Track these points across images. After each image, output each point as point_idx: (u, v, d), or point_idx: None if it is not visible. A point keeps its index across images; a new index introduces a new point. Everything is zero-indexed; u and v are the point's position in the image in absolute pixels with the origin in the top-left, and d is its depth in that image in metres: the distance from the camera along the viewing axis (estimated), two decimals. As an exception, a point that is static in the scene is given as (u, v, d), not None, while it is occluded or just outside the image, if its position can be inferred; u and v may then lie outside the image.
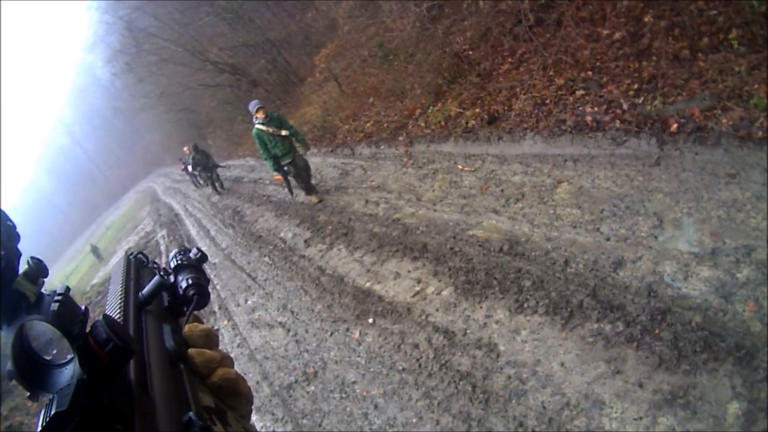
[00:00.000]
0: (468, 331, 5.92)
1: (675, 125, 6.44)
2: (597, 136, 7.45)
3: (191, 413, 0.84)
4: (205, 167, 24.59)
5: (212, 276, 13.56)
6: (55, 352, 0.83)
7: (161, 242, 24.50)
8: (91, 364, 0.77)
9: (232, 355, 8.61)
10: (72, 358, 0.78)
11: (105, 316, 0.82)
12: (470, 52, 11.74)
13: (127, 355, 0.81)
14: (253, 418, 6.64)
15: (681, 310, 4.54)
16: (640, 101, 7.14)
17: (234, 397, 1.09)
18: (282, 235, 12.85)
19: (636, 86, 7.41)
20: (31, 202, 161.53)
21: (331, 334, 7.58)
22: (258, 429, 6.28)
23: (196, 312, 1.16)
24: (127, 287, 1.10)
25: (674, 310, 4.56)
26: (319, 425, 6.10)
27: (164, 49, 30.60)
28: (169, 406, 0.86)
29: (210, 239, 17.79)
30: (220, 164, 25.29)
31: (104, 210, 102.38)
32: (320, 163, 15.92)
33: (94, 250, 42.88)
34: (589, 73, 8.29)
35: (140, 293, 1.10)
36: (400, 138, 12.35)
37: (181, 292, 1.12)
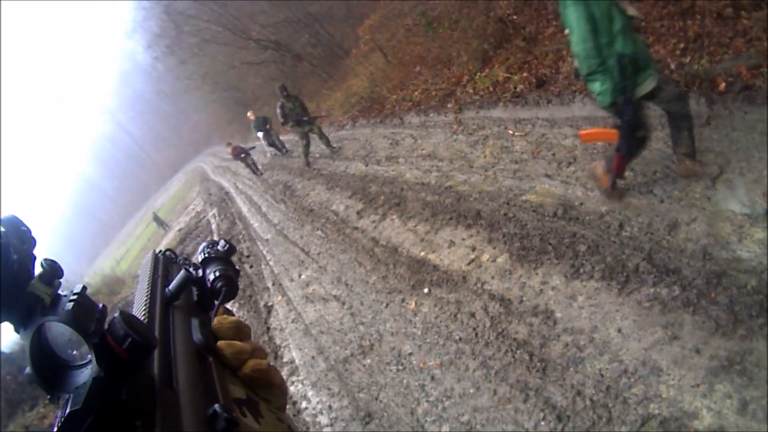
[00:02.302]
0: (524, 299, 5.92)
1: (723, 84, 6.33)
2: (646, 96, 7.35)
3: (217, 405, 0.85)
4: (300, 121, 17.33)
5: (265, 252, 13.78)
6: (74, 352, 0.84)
7: (212, 221, 24.73)
8: (109, 361, 0.79)
9: (287, 331, 8.80)
10: (90, 358, 0.79)
11: (122, 312, 0.83)
12: (514, 17, 11.69)
13: (146, 350, 0.83)
14: (310, 393, 6.73)
15: (736, 273, 4.48)
16: (687, 61, 7.02)
17: (267, 389, 1.10)
18: (334, 207, 12.90)
19: (682, 46, 7.29)
20: (80, 190, 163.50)
21: (387, 305, 7.61)
22: (315, 404, 6.34)
23: (226, 305, 1.18)
24: (153, 284, 1.12)
25: (729, 274, 4.51)
26: (376, 398, 6.13)
27: (205, 29, 30.65)
28: (194, 399, 0.87)
29: (261, 215, 17.90)
30: (321, 114, 21.75)
31: (153, 192, 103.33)
32: (370, 134, 16.12)
33: (156, 219, 43.19)
34: (635, 33, 8.21)
35: (167, 289, 1.11)
36: (449, 105, 12.34)
37: (209, 285, 1.13)
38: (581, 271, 5.70)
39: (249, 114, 25.73)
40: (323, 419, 6.51)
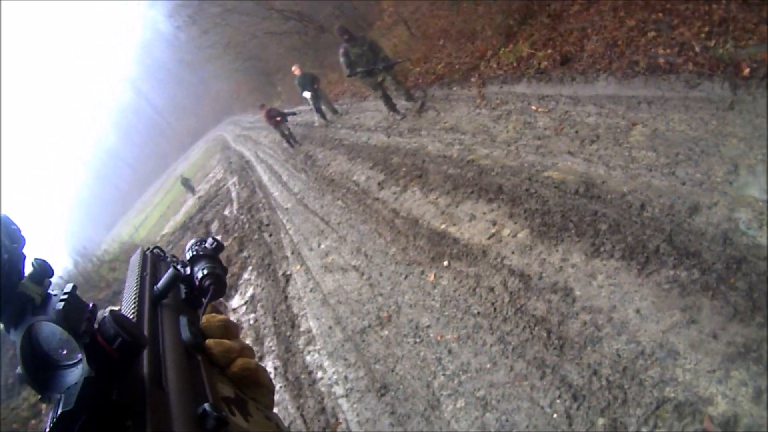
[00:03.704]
0: (544, 275, 5.95)
1: (747, 69, 6.29)
2: (670, 78, 7.33)
3: (206, 405, 0.87)
4: (371, 70, 13.54)
5: (285, 220, 13.94)
6: (64, 352, 0.85)
7: (232, 189, 24.86)
8: (100, 361, 0.80)
9: (304, 300, 8.87)
10: (81, 357, 0.80)
11: (112, 311, 0.85)
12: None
13: (136, 350, 0.84)
14: (326, 363, 6.80)
15: (756, 259, 4.48)
16: (712, 44, 6.98)
17: (255, 387, 1.12)
18: (355, 178, 12.93)
19: (707, 29, 7.23)
20: (99, 158, 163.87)
21: (406, 277, 7.67)
22: (330, 375, 6.40)
23: (215, 303, 1.19)
24: (142, 282, 1.14)
25: (749, 260, 4.51)
26: (392, 370, 6.19)
27: (227, -1, 30.53)
28: (183, 398, 0.89)
29: (282, 184, 17.96)
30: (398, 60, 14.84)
31: (173, 161, 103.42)
32: (403, 107, 15.83)
33: (185, 182, 41.95)
34: (660, 14, 8.14)
35: (155, 287, 1.13)
36: (472, 79, 12.31)
37: (197, 283, 1.15)
38: (602, 249, 5.72)
39: (294, 68, 21.46)
40: (338, 390, 6.58)
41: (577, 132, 8.00)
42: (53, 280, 0.88)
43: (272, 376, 7.90)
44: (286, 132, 22.52)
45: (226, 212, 21.89)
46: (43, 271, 0.87)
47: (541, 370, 4.93)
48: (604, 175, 6.75)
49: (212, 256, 1.23)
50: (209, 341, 1.10)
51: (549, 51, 10.28)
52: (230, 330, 1.18)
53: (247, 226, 16.92)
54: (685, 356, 4.18)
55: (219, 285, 1.15)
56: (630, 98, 7.70)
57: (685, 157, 6.10)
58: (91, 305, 0.85)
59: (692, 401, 3.87)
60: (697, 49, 7.12)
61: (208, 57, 47.71)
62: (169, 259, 1.35)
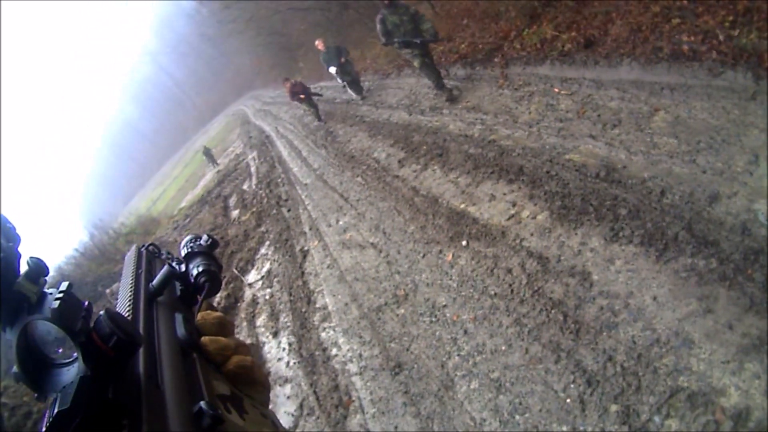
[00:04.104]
0: (562, 258, 5.98)
1: (770, 61, 6.29)
2: (693, 65, 7.30)
3: (202, 403, 0.88)
4: (409, 42, 12.39)
5: (303, 196, 13.96)
6: (60, 350, 0.87)
7: (251, 164, 24.86)
8: (96, 359, 0.81)
9: (321, 277, 8.95)
10: (76, 356, 0.81)
11: (107, 310, 0.85)
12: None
13: (132, 348, 0.85)
14: (341, 340, 6.89)
15: (775, 250, 4.47)
16: (736, 33, 6.93)
17: (250, 385, 1.13)
18: (375, 155, 12.93)
19: (731, 18, 7.17)
20: (118, 130, 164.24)
21: (424, 255, 7.70)
22: (345, 352, 6.44)
23: (209, 300, 1.21)
24: (137, 279, 1.14)
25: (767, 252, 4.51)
26: (407, 349, 6.23)
27: (250, -28, 30.48)
28: (179, 396, 0.90)
29: (302, 160, 17.93)
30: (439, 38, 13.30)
31: (193, 134, 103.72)
32: (414, 83, 15.91)
33: (207, 153, 41.09)
34: (685, 1, 8.08)
35: (150, 284, 1.13)
36: (496, 60, 12.28)
37: (192, 280, 1.16)
38: (620, 234, 5.73)
39: (318, 43, 19.88)
40: (353, 367, 6.64)
41: (599, 116, 7.99)
42: (48, 278, 0.90)
43: (286, 352, 8.00)
44: (312, 107, 21.12)
45: (245, 186, 21.86)
46: (39, 269, 0.89)
47: (556, 353, 4.96)
48: (625, 160, 6.74)
49: (207, 253, 1.23)
50: (204, 338, 1.12)
51: (573, 33, 10.22)
52: (225, 327, 1.21)
53: (265, 200, 16.89)
54: (700, 346, 4.19)
55: (214, 282, 1.15)
56: (653, 84, 7.68)
57: (706, 145, 6.09)
58: (86, 303, 0.87)
59: (705, 392, 3.88)
60: (721, 37, 7.07)
61: (229, 31, 47.94)
62: (164, 256, 1.35)
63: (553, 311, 5.40)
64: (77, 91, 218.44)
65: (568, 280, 5.63)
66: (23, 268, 0.87)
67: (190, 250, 1.23)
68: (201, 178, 41.46)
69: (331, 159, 15.39)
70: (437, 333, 6.16)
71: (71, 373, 0.83)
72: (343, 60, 19.39)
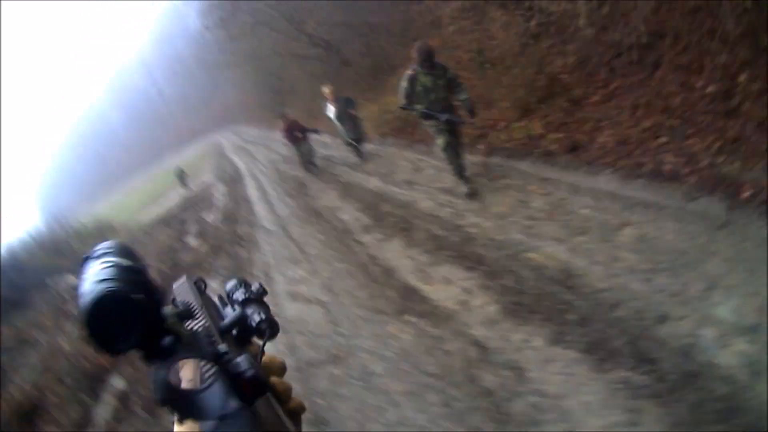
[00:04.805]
0: (503, 350, 5.97)
1: (747, 193, 6.35)
2: (671, 186, 7.41)
3: None
4: (432, 115, 10.00)
5: (262, 241, 14.09)
6: (204, 386, 0.88)
7: (218, 197, 25.36)
8: (238, 396, 0.85)
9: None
10: (219, 388, 0.85)
11: (246, 355, 0.91)
12: (565, 76, 11.71)
13: (263, 390, 0.89)
14: None
15: (710, 378, 4.51)
16: (721, 161, 7.07)
17: (300, 423, 1.17)
18: (342, 216, 12.93)
19: (719, 144, 7.33)
20: (94, 130, 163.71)
21: (368, 323, 7.69)
22: None
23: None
24: (211, 316, 1.16)
25: (704, 377, 4.54)
26: (333, 408, 6.22)
27: (261, 11, 30.87)
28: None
29: (268, 205, 18.08)
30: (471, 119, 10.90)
31: (168, 153, 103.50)
32: (395, 154, 16.07)
33: (180, 174, 40.01)
34: (676, 122, 8.25)
35: (221, 324, 1.15)
36: (479, 146, 12.33)
37: (254, 325, 1.17)
38: (565, 338, 5.73)
39: (326, 90, 16.97)
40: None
41: (568, 221, 8.03)
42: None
43: None
44: (306, 153, 19.42)
45: (207, 217, 22.18)
46: (187, 312, 0.98)
47: (478, 440, 4.91)
48: (585, 269, 6.78)
49: (263, 301, 1.27)
50: (273, 378, 1.13)
51: (560, 135, 10.33)
52: (285, 371, 1.23)
53: (225, 236, 17.12)
54: (619, 456, 4.18)
55: (275, 329, 1.18)
56: (628, 198, 7.76)
57: (666, 266, 6.13)
58: (224, 347, 0.94)
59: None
60: (705, 162, 7.19)
61: (227, 63, 48.79)
62: (208, 294, 1.36)
63: (483, 399, 5.41)
64: (63, 81, 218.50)
65: (504, 372, 5.64)
66: (170, 307, 0.94)
67: (247, 296, 1.25)
68: (166, 198, 41.69)
69: (298, 211, 15.57)
70: (366, 398, 6.17)
71: (217, 404, 0.85)
72: (353, 113, 17.13)
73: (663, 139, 8.22)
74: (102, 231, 34.34)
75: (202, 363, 0.89)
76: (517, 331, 6.18)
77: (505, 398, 5.31)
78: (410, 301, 7.80)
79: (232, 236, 16.66)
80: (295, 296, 9.72)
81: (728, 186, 6.67)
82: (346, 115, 16.77)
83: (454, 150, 10.26)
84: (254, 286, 1.27)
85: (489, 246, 8.31)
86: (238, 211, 20.11)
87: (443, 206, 10.62)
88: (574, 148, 9.75)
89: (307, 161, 19.54)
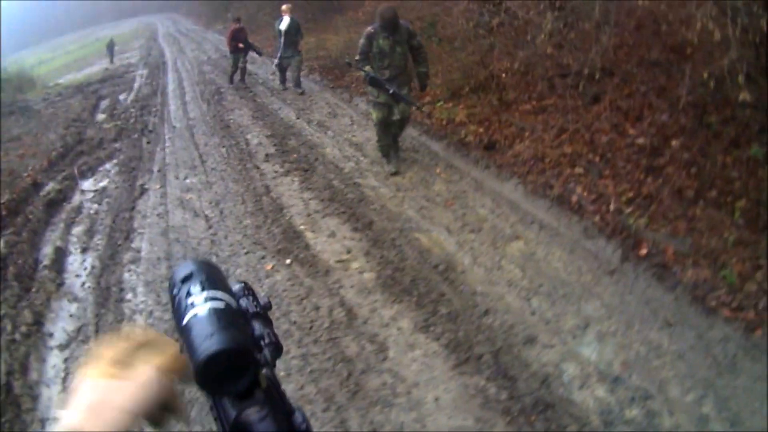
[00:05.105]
0: (369, 322, 6.03)
1: (645, 250, 6.53)
2: (573, 218, 7.53)
3: None
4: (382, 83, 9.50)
5: (167, 137, 14.21)
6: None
7: (137, 80, 25.32)
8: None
9: (147, 221, 9.17)
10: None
11: (299, 407, 1.02)
12: (503, 75, 11.67)
13: None
14: (140, 290, 7.37)
15: (562, 412, 4.64)
16: (628, 211, 7.23)
17: None
18: (249, 137, 13.02)
19: (631, 195, 7.48)
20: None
21: (246, 253, 7.74)
22: (138, 301, 6.69)
23: None
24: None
25: (558, 409, 4.67)
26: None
27: None
28: None
29: (182, 102, 18.20)
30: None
31: (104, 22, 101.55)
32: (317, 92, 16.08)
33: (110, 46, 38.32)
34: (597, 158, 8.37)
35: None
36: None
37: (262, 345, 1.13)
38: (431, 329, 5.80)
39: (284, 7, 16.51)
40: (139, 319, 6.65)
41: (464, 215, 8.08)
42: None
43: (86, 272, 8.12)
44: (241, 65, 18.66)
45: (121, 97, 21.80)
46: (266, 362, 0.98)
47: (327, 403, 5.01)
48: (467, 266, 6.86)
49: (268, 318, 1.23)
50: None
51: (480, 129, 10.38)
52: None
53: (132, 121, 16.93)
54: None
55: (279, 353, 1.15)
56: (528, 213, 7.87)
57: (546, 291, 6.25)
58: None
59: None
60: (612, 207, 7.32)
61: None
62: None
63: (340, 364, 5.47)
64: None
65: (366, 344, 5.71)
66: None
67: (257, 310, 1.20)
68: (89, 66, 40.58)
69: (208, 118, 15.57)
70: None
71: None
72: (297, 39, 16.69)
73: (579, 170, 8.36)
74: (21, 81, 32.98)
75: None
76: (387, 307, 6.25)
77: (362, 370, 5.37)
78: (292, 244, 7.82)
79: (140, 124, 16.47)
80: (183, 204, 9.69)
81: (628, 237, 6.86)
82: (291, 35, 16.34)
83: (385, 128, 9.69)
84: (262, 301, 1.24)
85: (381, 213, 8.39)
86: (152, 99, 19.87)
87: (348, 159, 10.70)
88: (490, 146, 9.84)
89: (236, 74, 19.07)
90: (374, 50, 9.07)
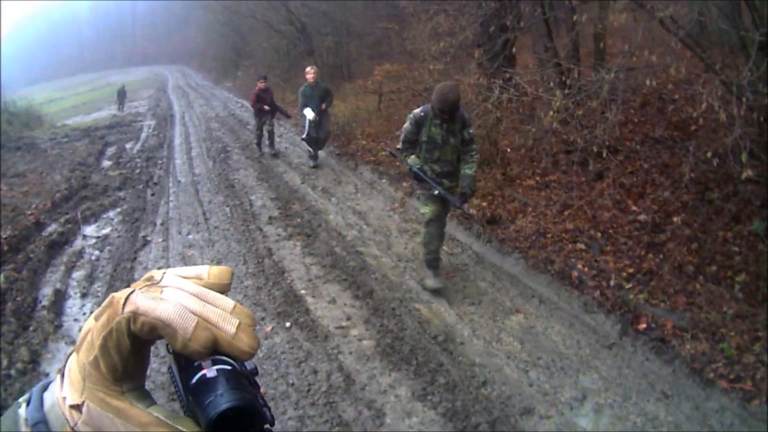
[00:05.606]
0: (367, 388, 6.00)
1: (644, 325, 6.57)
2: (573, 293, 7.55)
3: None
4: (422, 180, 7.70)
5: (171, 192, 14.06)
6: None
7: (145, 130, 25.30)
8: None
9: (148, 275, 8.86)
10: None
11: None
12: (508, 150, 11.87)
13: None
14: None
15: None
16: (628, 286, 7.28)
17: None
18: (253, 198, 12.92)
19: (631, 271, 7.55)
20: (62, 16, 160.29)
21: (246, 315, 7.61)
22: None
23: None
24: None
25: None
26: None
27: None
28: None
29: (188, 157, 18.10)
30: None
31: (116, 68, 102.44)
32: (322, 159, 15.85)
33: (121, 92, 37.84)
34: (599, 234, 8.46)
35: None
36: (404, 184, 12.33)
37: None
38: (429, 398, 5.79)
39: (309, 70, 14.61)
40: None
41: (464, 287, 8.09)
42: None
43: (85, 317, 7.96)
44: (267, 129, 16.75)
45: (128, 146, 21.89)
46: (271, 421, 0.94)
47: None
48: (467, 338, 6.87)
49: (256, 383, 1.27)
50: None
51: (484, 203, 10.43)
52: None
53: (138, 171, 16.89)
54: None
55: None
56: (528, 287, 7.90)
57: (545, 364, 6.26)
58: None
59: None
60: (612, 282, 7.37)
61: (204, 6, 48.57)
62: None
63: (336, 428, 5.45)
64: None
65: (363, 409, 5.69)
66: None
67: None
68: (98, 110, 40.90)
69: (213, 176, 15.44)
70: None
71: None
72: (324, 107, 14.76)
73: (580, 246, 8.42)
74: (29, 118, 33.12)
75: None
76: (385, 375, 6.24)
77: (358, 435, 5.34)
78: (292, 308, 7.79)
79: (145, 175, 16.43)
80: (184, 259, 9.67)
81: (627, 312, 6.90)
82: (315, 106, 14.35)
83: (439, 228, 7.92)
84: (249, 367, 1.28)
85: (382, 282, 8.36)
86: (158, 151, 19.89)
87: (351, 227, 10.67)
88: (492, 221, 9.87)
89: (261, 136, 17.05)
90: (422, 138, 7.41)
